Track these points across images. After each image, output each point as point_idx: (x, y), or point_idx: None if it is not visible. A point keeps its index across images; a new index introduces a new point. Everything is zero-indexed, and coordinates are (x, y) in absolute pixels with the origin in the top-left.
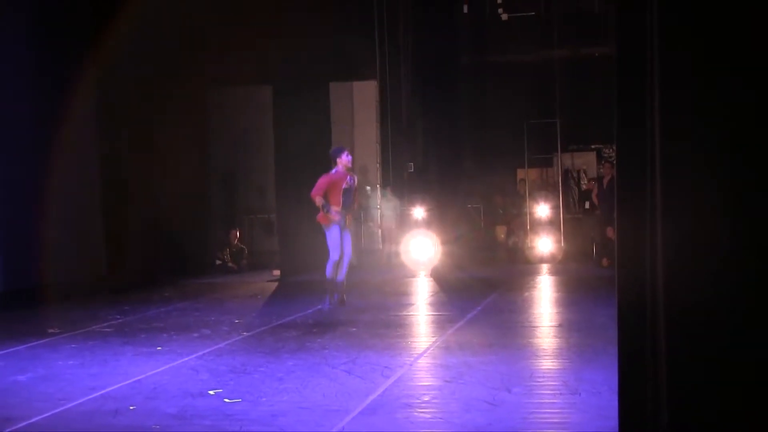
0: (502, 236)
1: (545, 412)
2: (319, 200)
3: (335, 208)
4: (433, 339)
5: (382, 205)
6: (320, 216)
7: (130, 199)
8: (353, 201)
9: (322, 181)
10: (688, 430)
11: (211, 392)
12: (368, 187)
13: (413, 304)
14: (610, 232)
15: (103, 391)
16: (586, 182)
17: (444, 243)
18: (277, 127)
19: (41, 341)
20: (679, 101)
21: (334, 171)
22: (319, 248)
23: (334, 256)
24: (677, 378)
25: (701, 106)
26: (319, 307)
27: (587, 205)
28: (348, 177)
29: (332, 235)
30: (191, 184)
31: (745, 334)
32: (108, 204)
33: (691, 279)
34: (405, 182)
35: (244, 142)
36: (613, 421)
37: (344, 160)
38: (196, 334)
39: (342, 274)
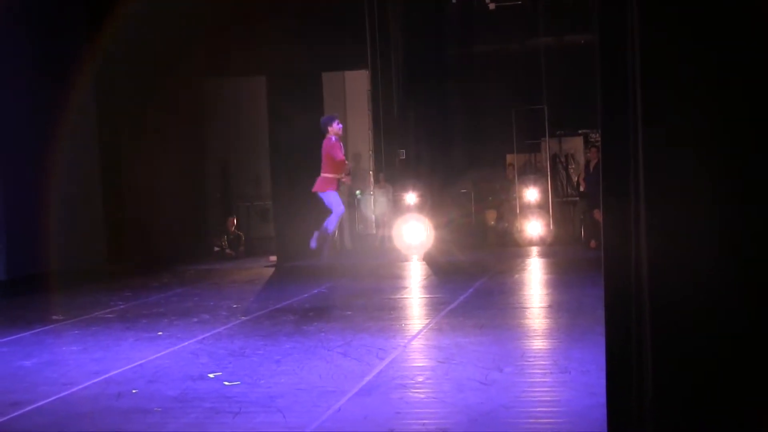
0: (493, 221)
1: (536, 391)
2: (346, 165)
3: (341, 176)
4: (426, 321)
5: (375, 192)
6: (321, 183)
7: (130, 187)
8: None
9: (337, 147)
10: (672, 406)
11: (211, 375)
12: (358, 192)
13: (407, 288)
14: (597, 215)
15: (106, 376)
16: (574, 167)
17: (436, 227)
18: (271, 116)
19: (45, 328)
20: (661, 89)
21: (334, 139)
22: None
23: (341, 208)
24: (662, 357)
25: (684, 93)
26: (316, 291)
27: (582, 188)
28: (340, 144)
29: (334, 195)
30: (189, 173)
31: (731, 318)
32: (108, 192)
33: (675, 263)
34: (397, 169)
35: (240, 132)
36: (602, 398)
37: (335, 128)
38: (195, 319)
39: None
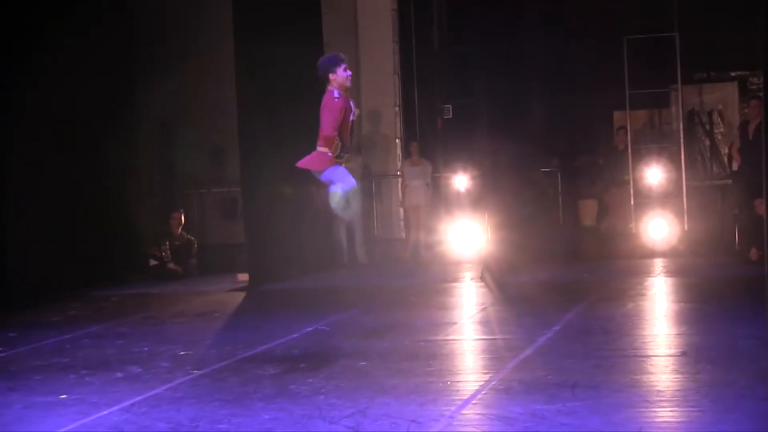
0: (592, 217)
1: None
2: (336, 142)
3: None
4: (486, 378)
5: (404, 173)
6: (316, 158)
7: (11, 170)
8: (352, 138)
9: (335, 110)
10: None
11: None
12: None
13: (454, 324)
14: (761, 207)
15: None
16: (722, 132)
17: (500, 229)
18: (240, 50)
19: None
20: None
21: (337, 94)
22: (306, 240)
23: (351, 181)
24: None
25: None
26: (311, 329)
27: (734, 165)
28: (351, 102)
29: (338, 169)
30: (108, 144)
31: None
32: None
33: None
34: (439, 135)
35: (189, 78)
36: None
37: (341, 76)
38: (119, 374)
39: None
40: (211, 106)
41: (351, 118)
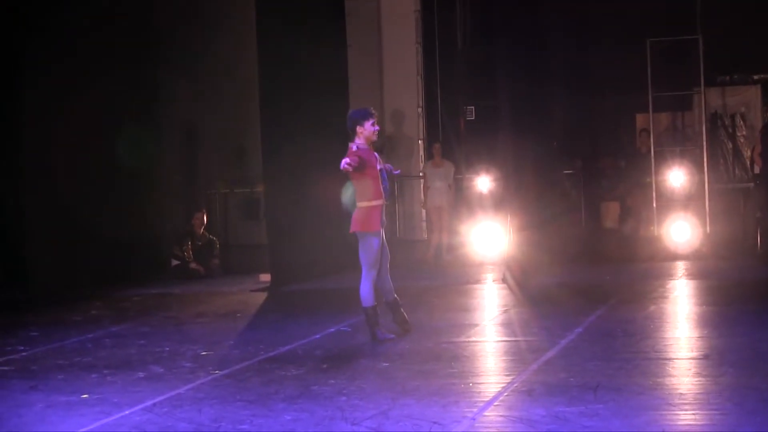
0: (614, 219)
1: None
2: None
3: (378, 203)
4: (509, 379)
5: (426, 173)
6: (358, 219)
7: (33, 169)
8: (391, 187)
9: (350, 155)
10: None
11: None
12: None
13: (476, 325)
14: None
15: None
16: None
17: (523, 230)
18: (263, 54)
19: None
20: None
21: (355, 148)
22: (328, 240)
23: (372, 271)
24: None
25: None
26: (333, 330)
27: (757, 167)
28: (376, 155)
29: (373, 245)
30: (131, 145)
31: None
32: None
33: None
34: (461, 137)
35: (213, 79)
36: None
37: (368, 129)
38: (141, 374)
39: (389, 290)
40: (233, 107)
41: (378, 167)
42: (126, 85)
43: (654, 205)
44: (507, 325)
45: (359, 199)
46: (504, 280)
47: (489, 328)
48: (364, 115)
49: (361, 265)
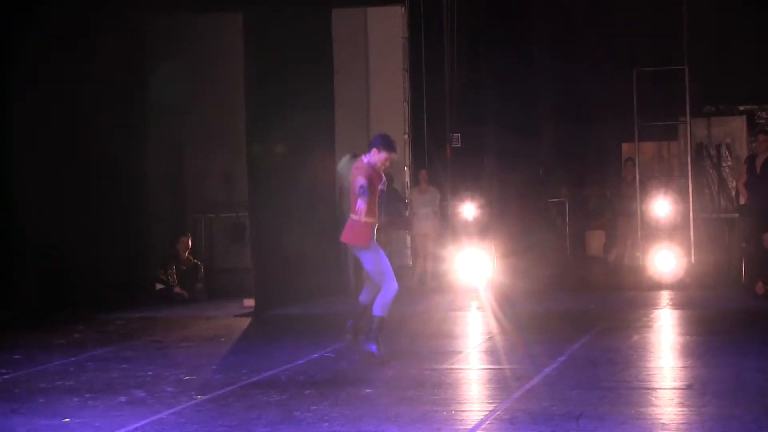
0: (599, 247)
1: None
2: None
3: (369, 220)
4: (492, 407)
5: (412, 200)
6: (354, 230)
7: (22, 191)
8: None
9: (363, 172)
10: None
11: None
12: None
13: (460, 352)
14: None
15: None
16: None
17: (508, 257)
18: (250, 76)
19: None
20: None
21: (366, 160)
22: (313, 265)
23: (386, 281)
24: None
25: None
26: (317, 355)
27: (743, 198)
28: (382, 175)
29: (379, 255)
30: (117, 167)
31: None
32: None
33: None
34: (448, 163)
35: (200, 102)
36: None
37: (381, 157)
38: (123, 398)
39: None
40: (220, 131)
41: (379, 187)
42: (114, 108)
43: (639, 234)
44: (491, 353)
45: (354, 212)
46: (489, 306)
47: (473, 356)
48: (387, 146)
49: (378, 278)
